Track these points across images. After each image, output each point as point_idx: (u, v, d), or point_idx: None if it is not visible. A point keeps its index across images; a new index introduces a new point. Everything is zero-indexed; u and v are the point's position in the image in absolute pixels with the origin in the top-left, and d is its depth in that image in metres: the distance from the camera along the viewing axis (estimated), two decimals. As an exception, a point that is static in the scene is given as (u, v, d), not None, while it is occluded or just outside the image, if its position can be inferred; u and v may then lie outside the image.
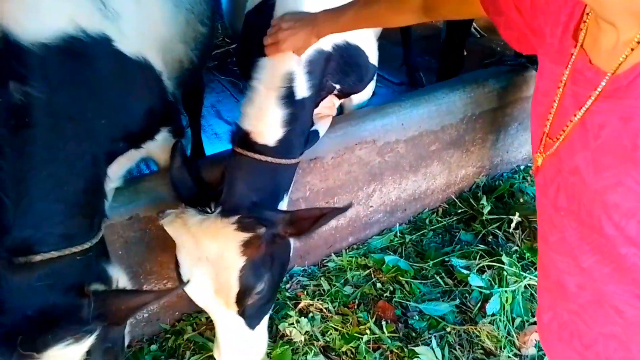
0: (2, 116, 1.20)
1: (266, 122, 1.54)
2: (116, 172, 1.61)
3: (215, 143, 3.37)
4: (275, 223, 1.47)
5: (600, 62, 0.88)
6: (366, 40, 1.96)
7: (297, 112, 1.59)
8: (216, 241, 1.42)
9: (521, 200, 2.64)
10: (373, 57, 2.03)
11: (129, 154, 1.61)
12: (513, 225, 2.43)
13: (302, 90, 1.60)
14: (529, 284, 2.20)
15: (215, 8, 2.12)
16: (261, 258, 1.45)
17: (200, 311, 1.96)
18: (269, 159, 1.54)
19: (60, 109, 1.26)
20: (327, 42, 1.70)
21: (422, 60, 4.15)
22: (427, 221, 2.53)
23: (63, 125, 1.27)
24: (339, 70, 1.85)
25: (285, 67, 1.54)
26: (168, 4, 1.73)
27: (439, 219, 2.55)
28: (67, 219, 1.27)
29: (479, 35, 4.44)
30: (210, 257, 1.42)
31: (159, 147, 1.73)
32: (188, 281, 1.43)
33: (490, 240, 2.43)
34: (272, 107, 1.54)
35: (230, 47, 4.44)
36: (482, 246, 2.38)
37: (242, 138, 1.56)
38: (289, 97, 1.55)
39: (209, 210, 1.48)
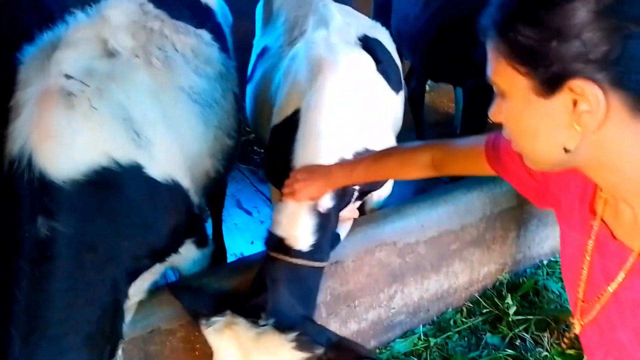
0: (26, 250, 1.23)
1: (299, 230, 1.60)
2: (140, 286, 1.63)
3: (235, 234, 3.40)
4: (327, 344, 1.45)
5: (623, 236, 0.86)
6: (385, 141, 2.02)
7: (325, 220, 1.66)
8: (270, 357, 1.39)
9: (546, 298, 2.57)
10: None
11: (154, 268, 1.63)
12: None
13: (327, 202, 1.66)
14: (562, 394, 2.08)
15: (241, 121, 2.21)
16: None
17: None
18: (305, 262, 1.59)
19: (82, 240, 1.30)
20: (349, 152, 1.77)
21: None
22: (451, 322, 2.46)
23: (83, 256, 1.29)
24: None
25: None
26: (198, 124, 1.80)
27: (464, 319, 2.47)
28: (79, 352, 1.26)
29: (491, 122, 4.55)
30: None
31: (183, 257, 1.75)
32: None
33: (518, 343, 2.34)
34: (303, 217, 1.61)
35: (250, 136, 4.60)
36: (510, 351, 2.28)
37: (276, 243, 1.61)
38: (316, 208, 1.63)
39: (258, 321, 1.44)
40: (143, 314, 1.73)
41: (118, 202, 1.40)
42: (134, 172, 1.44)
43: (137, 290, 1.63)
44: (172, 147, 1.63)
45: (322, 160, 1.64)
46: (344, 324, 2.21)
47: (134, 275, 1.52)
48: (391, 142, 2.10)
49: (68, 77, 1.39)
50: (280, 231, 1.61)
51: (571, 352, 2.24)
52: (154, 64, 1.68)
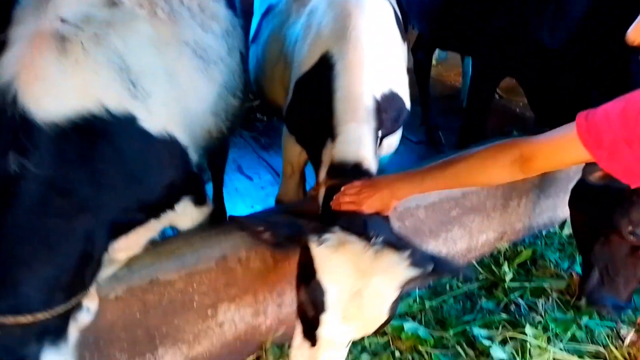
0: None
1: (370, 151, 1.69)
2: (135, 241, 1.64)
3: (236, 198, 3.41)
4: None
5: None
6: (403, 87, 2.05)
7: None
8: (386, 276, 1.40)
9: (543, 268, 2.58)
10: (407, 101, 2.11)
11: (150, 224, 1.62)
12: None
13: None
14: (554, 358, 2.11)
15: (247, 81, 2.18)
16: None
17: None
18: None
19: (54, 184, 1.27)
20: (379, 93, 1.81)
21: (442, 120, 4.21)
22: (447, 286, 2.48)
23: (52, 200, 1.27)
24: (387, 117, 1.92)
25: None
26: (202, 80, 1.77)
27: (460, 284, 2.50)
28: (38, 294, 1.26)
29: (497, 97, 4.50)
30: (368, 288, 1.40)
31: (180, 215, 1.74)
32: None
33: (512, 309, 2.36)
34: (371, 140, 1.71)
35: (253, 103, 4.57)
36: (504, 315, 2.31)
37: (353, 169, 1.63)
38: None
39: (371, 240, 1.41)
40: (142, 264, 1.76)
41: (106, 151, 1.38)
42: (127, 122, 1.41)
43: (132, 244, 1.63)
44: (172, 102, 1.60)
45: (364, 101, 1.70)
46: (341, 284, 2.23)
47: (123, 228, 1.51)
48: (407, 89, 2.10)
49: (64, 20, 1.37)
50: (353, 157, 1.64)
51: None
52: (158, 16, 1.64)
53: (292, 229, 1.51)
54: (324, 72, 1.79)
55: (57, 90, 1.31)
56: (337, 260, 1.41)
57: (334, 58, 1.78)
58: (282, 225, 1.54)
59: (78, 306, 1.44)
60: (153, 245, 1.82)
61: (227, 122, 1.96)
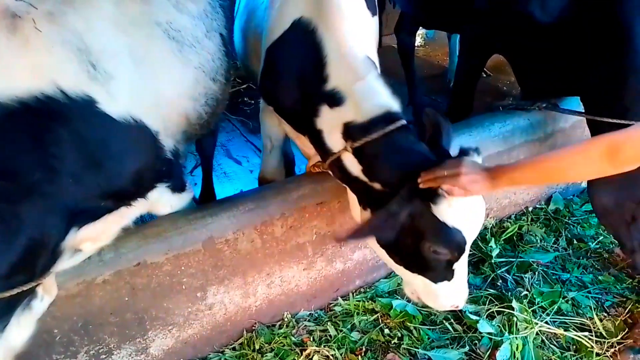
0: None
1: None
2: (105, 230, 1.59)
3: (225, 182, 3.41)
4: None
5: None
6: (375, 56, 2.02)
7: None
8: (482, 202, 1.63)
9: (529, 243, 2.62)
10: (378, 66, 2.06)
11: (120, 212, 1.57)
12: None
13: None
14: (540, 331, 2.15)
15: (229, 65, 2.12)
16: None
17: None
18: None
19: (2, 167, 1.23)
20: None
21: (429, 100, 4.20)
22: (435, 264, 2.51)
23: None
24: None
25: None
26: (175, 63, 1.71)
27: (447, 261, 2.52)
28: None
29: (485, 75, 4.50)
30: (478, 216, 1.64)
31: (156, 202, 1.71)
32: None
33: (499, 284, 2.40)
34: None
35: (241, 87, 4.54)
36: (491, 290, 2.34)
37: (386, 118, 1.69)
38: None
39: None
40: (129, 247, 1.75)
41: (61, 135, 1.31)
42: (85, 105, 1.35)
43: (101, 233, 1.58)
44: (139, 85, 1.53)
45: (360, 58, 1.72)
46: (330, 263, 2.25)
47: (87, 216, 1.45)
48: (377, 60, 2.06)
49: None
50: (380, 109, 1.67)
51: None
52: None
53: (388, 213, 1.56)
54: (302, 38, 1.76)
55: (6, 69, 1.25)
56: (457, 210, 1.56)
57: (312, 23, 1.75)
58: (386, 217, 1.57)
59: (33, 295, 1.40)
60: (139, 227, 1.81)
61: (206, 107, 1.89)
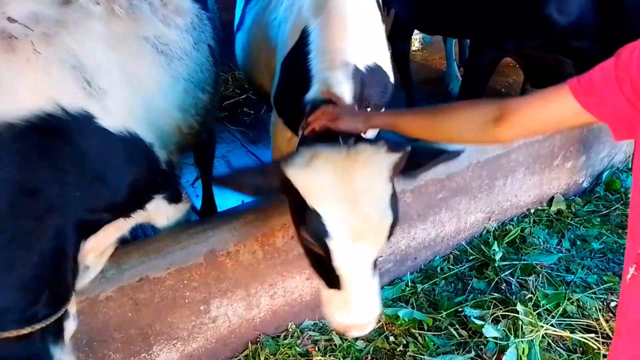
0: None
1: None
2: (104, 241, 1.61)
3: (226, 193, 3.41)
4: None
5: None
6: (386, 62, 2.05)
7: None
8: (370, 169, 1.33)
9: (532, 245, 2.61)
10: (392, 76, 2.11)
11: (119, 223, 1.60)
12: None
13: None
14: (546, 334, 2.14)
15: (218, 75, 2.14)
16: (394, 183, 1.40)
17: None
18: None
19: (21, 184, 1.27)
20: (361, 63, 1.76)
21: (426, 104, 4.21)
22: (438, 269, 2.51)
23: (22, 200, 1.27)
24: (371, 87, 1.89)
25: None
26: (164, 76, 1.75)
27: (451, 266, 2.52)
28: (9, 291, 1.25)
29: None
30: (359, 192, 1.30)
31: (154, 213, 1.73)
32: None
33: (503, 287, 2.39)
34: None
35: (240, 97, 4.57)
36: (495, 294, 2.33)
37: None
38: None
39: (341, 143, 1.38)
40: (131, 262, 1.76)
41: (66, 150, 1.36)
42: (84, 121, 1.40)
43: (101, 244, 1.61)
44: (131, 99, 1.58)
45: (342, 55, 1.67)
46: (333, 272, 2.25)
47: (91, 228, 1.49)
48: (390, 65, 2.09)
49: (12, 20, 1.34)
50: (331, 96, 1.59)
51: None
52: (115, 12, 1.62)
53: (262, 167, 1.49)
54: (304, 46, 1.78)
55: (9, 91, 1.29)
56: (316, 175, 1.31)
57: (311, 27, 1.78)
58: (255, 172, 1.50)
59: (65, 314, 1.43)
60: (140, 243, 1.82)
61: (197, 117, 1.93)
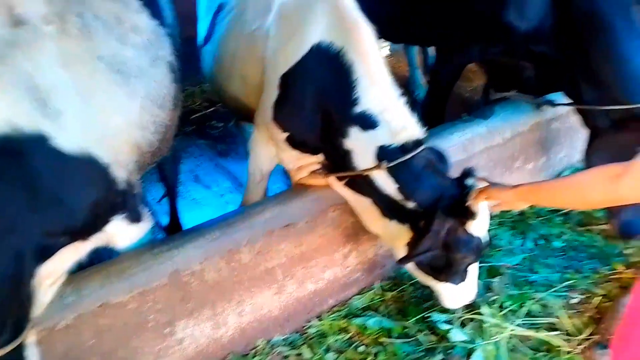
0: None
1: None
2: (60, 265, 1.58)
3: (194, 209, 3.38)
4: None
5: None
6: None
7: None
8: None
9: (497, 247, 2.67)
10: None
11: (76, 246, 1.58)
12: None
13: None
14: (511, 334, 2.18)
15: (178, 91, 2.13)
16: None
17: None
18: None
19: None
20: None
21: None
22: (406, 276, 2.53)
23: None
24: None
25: None
26: (120, 95, 1.73)
27: (418, 272, 2.54)
28: None
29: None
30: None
31: (114, 234, 1.70)
32: None
33: (470, 290, 2.42)
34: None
35: (207, 110, 4.53)
36: (462, 298, 2.37)
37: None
38: None
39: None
40: (91, 287, 1.73)
41: (22, 171, 1.36)
42: (39, 142, 1.39)
43: (58, 269, 1.58)
44: (86, 119, 1.56)
45: (391, 84, 1.93)
46: (301, 285, 2.25)
47: (47, 252, 1.47)
48: None
49: None
50: (417, 134, 1.94)
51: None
52: (69, 32, 1.59)
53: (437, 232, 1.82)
54: (325, 61, 1.87)
55: None
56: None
57: (336, 46, 1.87)
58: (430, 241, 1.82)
59: (24, 345, 1.40)
60: (101, 266, 1.78)
61: (156, 134, 1.91)
